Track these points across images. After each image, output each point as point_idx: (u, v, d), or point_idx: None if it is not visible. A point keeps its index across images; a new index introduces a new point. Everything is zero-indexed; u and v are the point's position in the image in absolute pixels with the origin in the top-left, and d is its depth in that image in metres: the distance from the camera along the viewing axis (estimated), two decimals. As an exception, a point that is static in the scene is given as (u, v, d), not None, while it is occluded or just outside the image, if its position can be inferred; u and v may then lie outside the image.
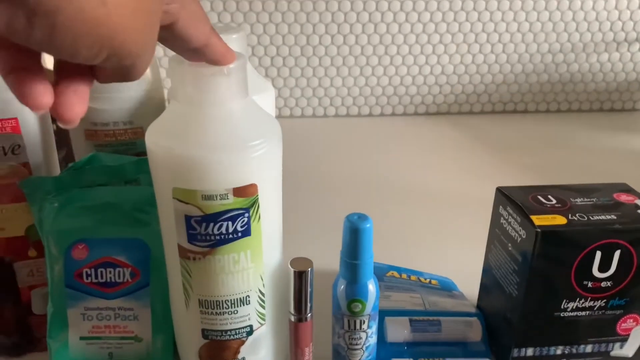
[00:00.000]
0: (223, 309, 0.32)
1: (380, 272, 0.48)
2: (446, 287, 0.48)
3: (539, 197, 0.38)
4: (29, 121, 0.38)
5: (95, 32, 0.19)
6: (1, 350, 0.41)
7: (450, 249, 0.56)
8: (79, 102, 0.23)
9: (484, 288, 0.43)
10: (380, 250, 0.50)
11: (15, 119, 0.38)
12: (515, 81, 0.96)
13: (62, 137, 0.55)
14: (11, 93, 0.38)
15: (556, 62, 0.95)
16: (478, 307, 0.44)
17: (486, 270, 0.43)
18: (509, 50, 0.93)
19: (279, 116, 0.96)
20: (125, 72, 0.23)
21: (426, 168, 0.75)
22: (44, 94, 0.21)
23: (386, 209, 0.64)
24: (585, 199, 0.38)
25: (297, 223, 0.59)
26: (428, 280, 0.49)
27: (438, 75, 0.94)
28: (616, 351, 0.39)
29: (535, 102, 0.98)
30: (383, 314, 0.41)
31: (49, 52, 0.20)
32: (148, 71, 0.39)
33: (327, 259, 0.44)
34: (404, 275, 0.48)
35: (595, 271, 0.36)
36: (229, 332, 0.33)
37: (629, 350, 0.39)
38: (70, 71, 0.23)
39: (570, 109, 0.99)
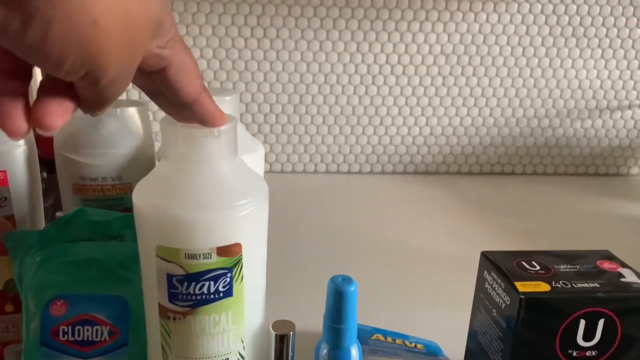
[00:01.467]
0: (201, 372, 0.31)
1: (365, 335, 0.47)
2: (432, 352, 0.47)
3: (523, 262, 0.38)
4: (18, 174, 0.39)
5: (82, 47, 0.20)
6: (-32, 411, 0.39)
7: (438, 312, 0.55)
8: (61, 113, 0.23)
9: (469, 353, 0.43)
10: (365, 311, 0.50)
11: (4, 171, 0.38)
12: (502, 143, 0.98)
13: (50, 185, 0.55)
14: (1, 146, 0.38)
15: (542, 127, 0.98)
16: (464, 374, 0.43)
17: (471, 335, 0.42)
18: (496, 114, 0.96)
19: (270, 171, 0.97)
20: (97, 96, 0.24)
21: (414, 228, 0.76)
22: (24, 122, 0.22)
23: (373, 269, 0.64)
24: (569, 266, 0.38)
25: (281, 281, 0.58)
26: (414, 344, 0.48)
27: (427, 136, 0.96)
28: None
29: (522, 164, 1.00)
30: (366, 380, 0.40)
31: (33, 59, 0.21)
32: (141, 129, 0.40)
33: (312, 319, 0.43)
34: (389, 339, 0.47)
35: (580, 340, 0.36)
36: (206, 397, 0.32)
37: (617, 423, 0.38)
38: (57, 89, 0.23)
39: (556, 172, 1.01)
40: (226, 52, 0.89)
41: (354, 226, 0.75)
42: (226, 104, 0.40)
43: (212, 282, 0.30)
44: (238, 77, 0.90)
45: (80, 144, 0.39)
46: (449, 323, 0.49)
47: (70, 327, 0.36)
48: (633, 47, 0.94)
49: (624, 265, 0.39)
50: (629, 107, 0.97)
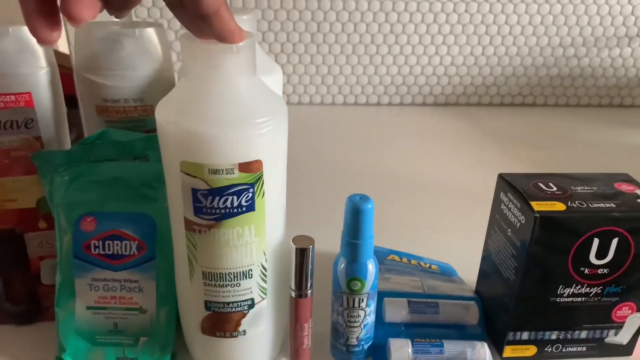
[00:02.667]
0: (226, 281, 0.33)
1: (381, 256, 0.49)
2: (446, 273, 0.49)
3: (540, 184, 0.38)
4: (42, 96, 0.39)
5: None
6: (10, 318, 0.42)
7: (453, 236, 0.57)
8: (89, 6, 0.25)
9: (482, 273, 0.44)
10: (382, 234, 0.51)
11: (29, 93, 0.39)
12: (524, 74, 0.96)
13: (73, 119, 0.56)
14: (25, 68, 0.38)
15: (566, 56, 0.95)
16: (476, 291, 0.45)
17: (485, 256, 0.43)
18: (520, 42, 0.93)
19: (287, 102, 0.96)
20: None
21: (432, 158, 0.76)
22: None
23: (390, 196, 0.65)
24: (586, 187, 0.38)
25: (301, 204, 0.60)
26: (428, 265, 0.49)
27: (447, 66, 0.94)
28: (611, 338, 0.40)
29: (544, 95, 0.98)
30: (382, 295, 0.42)
31: None
32: (159, 50, 0.40)
33: (330, 239, 0.45)
34: (405, 260, 0.49)
35: (592, 258, 0.36)
36: (231, 305, 0.34)
37: (623, 337, 0.40)
38: None
39: (579, 103, 0.99)
40: (242, -22, 0.86)
41: (373, 156, 0.76)
42: (245, 23, 0.39)
43: (235, 197, 0.31)
44: (254, 4, 0.88)
45: (99, 66, 0.39)
46: (463, 247, 0.50)
47: (100, 242, 0.38)
48: (670, -31, 0.88)
49: (642, 187, 0.39)
50: (661, 34, 0.93)
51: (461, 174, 0.71)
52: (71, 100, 0.45)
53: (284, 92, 0.95)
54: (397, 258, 0.49)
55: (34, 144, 0.39)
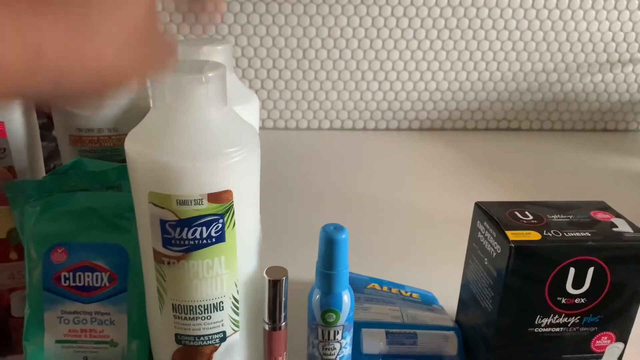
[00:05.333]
0: (196, 314, 0.32)
1: (362, 284, 0.48)
2: (427, 301, 0.48)
3: (516, 212, 0.38)
4: (16, 125, 0.39)
5: None
6: (-21, 352, 0.41)
7: (436, 263, 0.56)
8: None
9: (462, 302, 0.44)
10: (363, 262, 0.51)
11: (2, 122, 0.38)
12: (509, 99, 0.97)
13: (45, 135, 0.55)
14: (-2, 97, 0.38)
15: (550, 81, 0.96)
16: (456, 321, 0.44)
17: (464, 285, 0.43)
18: (503, 68, 0.94)
19: (274, 127, 0.96)
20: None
21: (416, 183, 0.76)
22: None
23: (373, 222, 0.64)
24: (562, 216, 0.38)
25: (276, 232, 0.59)
26: (409, 293, 0.49)
27: (432, 91, 0.95)
28: (591, 369, 0.39)
29: (529, 120, 0.99)
30: (360, 325, 0.41)
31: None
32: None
33: (305, 268, 0.44)
34: (385, 288, 0.48)
35: (569, 287, 0.36)
36: (202, 338, 0.33)
37: (604, 368, 0.39)
38: None
39: (564, 127, 1.00)
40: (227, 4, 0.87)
41: (356, 182, 0.76)
42: (219, 53, 0.39)
43: (204, 228, 0.30)
44: (227, 31, 0.89)
45: (75, 95, 0.39)
46: (446, 274, 0.50)
47: (71, 274, 0.37)
48: (648, -3, 0.90)
49: (618, 216, 0.39)
50: (641, 60, 0.95)
51: (445, 199, 0.71)
52: (48, 113, 0.45)
53: (269, 117, 0.95)
54: (377, 287, 0.49)
55: (5, 174, 0.38)
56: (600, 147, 0.92)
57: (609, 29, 0.92)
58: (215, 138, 0.30)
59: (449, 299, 0.47)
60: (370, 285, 0.49)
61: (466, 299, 0.42)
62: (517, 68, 0.94)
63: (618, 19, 0.91)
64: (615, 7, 0.91)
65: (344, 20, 0.89)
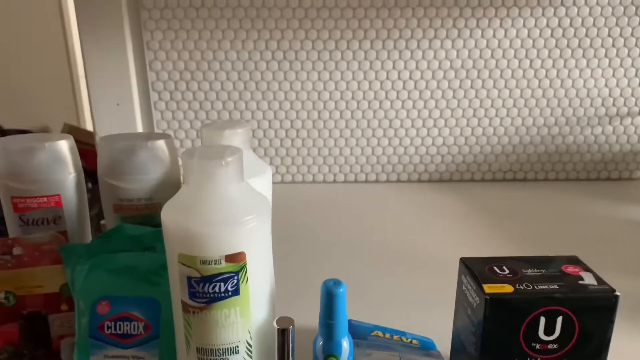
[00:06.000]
0: (216, 356, 0.38)
1: (366, 331, 0.54)
2: (425, 347, 0.53)
3: (495, 267, 0.44)
4: (69, 197, 0.47)
5: None
6: (32, 392, 0.47)
7: (438, 311, 0.61)
8: None
9: (453, 348, 0.48)
10: (370, 310, 0.56)
11: (59, 195, 0.46)
12: (513, 151, 1.02)
13: (94, 196, 0.63)
14: (56, 175, 0.46)
15: (552, 134, 1.01)
16: (450, 365, 0.49)
17: (454, 332, 0.48)
18: (506, 123, 1.00)
19: (292, 182, 1.04)
20: None
21: (423, 233, 0.81)
22: None
23: (381, 271, 0.70)
24: (535, 270, 0.43)
25: (288, 283, 0.65)
26: (409, 340, 0.54)
27: (439, 146, 1.02)
28: (571, 409, 0.43)
29: (534, 171, 1.04)
30: (362, 369, 0.46)
31: None
32: (168, 157, 0.48)
33: (314, 316, 0.50)
34: (387, 335, 0.54)
35: (541, 334, 0.41)
36: (221, 378, 0.39)
37: (582, 408, 0.43)
38: None
39: (568, 177, 1.04)
40: (239, 76, 0.96)
41: (367, 231, 0.81)
42: (238, 135, 0.47)
43: (222, 283, 0.37)
44: (255, 108, 0.98)
45: (118, 172, 0.46)
46: (446, 322, 0.54)
47: (113, 323, 0.43)
48: (640, 55, 0.96)
49: (587, 270, 0.44)
50: (638, 113, 1.00)
51: (451, 248, 0.76)
52: (94, 176, 0.53)
53: (287, 172, 1.03)
54: (380, 334, 0.54)
55: (60, 238, 0.46)
56: (605, 195, 0.96)
57: (605, 85, 0.98)
58: (233, 209, 0.37)
59: (447, 346, 0.52)
60: (374, 333, 0.54)
61: (456, 345, 0.47)
62: (519, 123, 1.00)
63: (613, 75, 0.97)
64: (609, 65, 0.97)
65: (354, 85, 0.97)
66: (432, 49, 0.96)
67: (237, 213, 0.37)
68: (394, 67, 0.96)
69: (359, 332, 0.53)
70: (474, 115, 1.00)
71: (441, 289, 0.66)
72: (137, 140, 0.47)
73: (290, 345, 0.40)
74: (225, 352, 0.39)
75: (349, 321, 0.55)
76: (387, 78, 0.97)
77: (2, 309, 0.46)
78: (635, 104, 0.99)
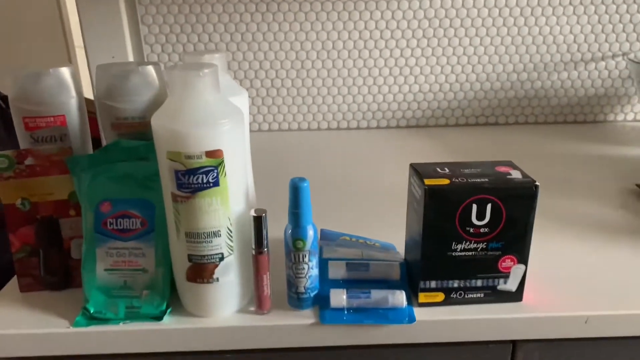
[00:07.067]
0: (202, 238, 0.46)
1: (336, 236, 0.62)
2: (385, 247, 0.61)
3: (437, 168, 0.51)
4: (73, 117, 0.54)
5: None
6: (48, 285, 0.56)
7: (401, 232, 0.69)
8: None
9: (407, 244, 0.56)
10: (344, 225, 0.64)
11: (63, 115, 0.54)
12: (485, 97, 1.09)
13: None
14: (61, 98, 0.53)
15: (521, 80, 1.08)
16: (405, 259, 0.57)
17: (407, 229, 0.56)
18: (478, 70, 1.07)
19: (278, 129, 1.11)
20: None
21: (399, 172, 0.89)
22: None
23: (354, 199, 0.78)
24: (472, 170, 0.51)
25: (271, 204, 0.73)
26: (373, 243, 0.62)
27: (416, 92, 1.08)
28: (501, 286, 0.52)
29: (505, 115, 1.11)
30: (327, 260, 0.54)
31: None
32: (156, 82, 0.54)
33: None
34: (353, 239, 0.62)
35: (474, 220, 0.49)
36: (206, 257, 0.47)
37: (511, 285, 0.52)
38: None
39: (537, 121, 1.11)
40: (224, 17, 1.03)
41: (348, 171, 0.89)
42: (216, 60, 0.54)
43: (204, 175, 0.44)
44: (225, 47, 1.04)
45: (115, 94, 0.53)
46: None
47: (114, 220, 0.51)
48: (603, 2, 1.02)
49: (516, 169, 0.51)
50: (602, 58, 1.07)
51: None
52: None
53: (274, 121, 1.10)
54: (347, 238, 0.62)
55: (67, 151, 0.53)
56: (569, 137, 1.03)
57: (570, 32, 1.04)
58: (210, 113, 0.44)
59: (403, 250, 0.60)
60: (342, 238, 0.62)
61: (408, 240, 0.55)
62: (490, 70, 1.07)
63: (577, 22, 1.04)
64: (574, 12, 1.03)
65: (334, 35, 1.03)
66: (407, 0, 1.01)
67: (214, 116, 0.44)
68: (371, 17, 1.03)
69: (329, 236, 0.61)
70: (447, 63, 1.06)
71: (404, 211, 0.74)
72: (130, 66, 0.54)
73: (264, 231, 0.48)
74: (209, 235, 0.46)
75: (321, 230, 0.63)
76: (365, 28, 1.03)
77: (19, 214, 0.54)
78: (599, 50, 1.06)
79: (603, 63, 1.07)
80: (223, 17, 1.02)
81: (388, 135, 1.07)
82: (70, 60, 1.95)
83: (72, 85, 0.54)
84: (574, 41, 1.05)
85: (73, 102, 0.54)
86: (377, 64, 1.06)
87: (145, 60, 1.04)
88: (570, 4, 1.02)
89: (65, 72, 0.53)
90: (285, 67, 1.06)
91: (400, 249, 0.61)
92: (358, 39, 1.04)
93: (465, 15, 1.03)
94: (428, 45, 1.05)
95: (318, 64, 1.06)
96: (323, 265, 0.55)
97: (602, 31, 1.05)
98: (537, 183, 0.48)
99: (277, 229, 0.56)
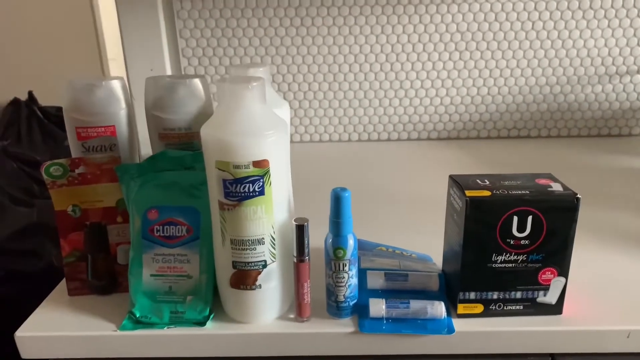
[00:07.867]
0: (246, 246, 0.48)
1: (372, 247, 0.62)
2: (422, 258, 0.61)
3: (477, 180, 0.52)
4: (122, 128, 0.56)
5: None
6: (94, 290, 0.58)
7: (438, 241, 0.69)
8: None
9: (445, 256, 0.57)
10: (380, 235, 0.64)
11: (113, 126, 0.56)
12: (517, 110, 1.09)
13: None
14: (111, 109, 0.55)
15: (554, 93, 1.08)
16: (442, 270, 0.58)
17: (445, 239, 0.56)
18: (510, 83, 1.07)
19: (310, 141, 1.12)
20: None
21: (432, 181, 0.89)
22: None
23: (390, 208, 0.78)
24: (512, 182, 0.51)
25: (309, 213, 0.74)
26: (409, 254, 0.62)
27: (447, 105, 1.09)
28: (541, 298, 0.52)
29: (537, 128, 1.11)
30: (366, 270, 0.55)
31: None
32: (203, 94, 0.57)
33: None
34: (390, 250, 0.62)
35: (514, 231, 0.49)
36: (250, 264, 0.48)
37: (551, 298, 0.52)
38: None
39: (569, 134, 1.11)
40: (268, 36, 1.05)
41: (381, 181, 0.90)
42: (260, 73, 0.55)
43: (250, 184, 0.46)
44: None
45: (163, 105, 0.56)
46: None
47: (161, 227, 0.53)
48: (638, 15, 1.02)
49: (557, 181, 0.51)
50: (638, 71, 1.06)
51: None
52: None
53: (306, 132, 1.12)
54: (384, 249, 0.62)
55: (116, 160, 0.55)
56: (602, 150, 1.02)
57: (605, 45, 1.04)
58: (258, 124, 0.46)
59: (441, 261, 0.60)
60: (379, 248, 0.63)
61: (447, 251, 0.56)
62: (522, 82, 1.07)
63: (612, 35, 1.03)
64: (608, 26, 1.02)
65: (367, 49, 1.05)
66: (439, 13, 1.02)
67: (261, 127, 0.46)
68: (403, 31, 1.04)
69: (365, 247, 0.62)
70: (479, 76, 1.07)
71: (442, 224, 0.74)
72: (178, 79, 0.56)
73: (306, 239, 0.49)
74: (253, 242, 0.48)
75: (358, 240, 0.64)
76: (398, 42, 1.05)
77: (70, 220, 0.56)
78: (634, 63, 1.05)
79: (638, 76, 1.06)
80: (258, 32, 1.04)
81: (418, 148, 1.08)
82: (103, 72, 2.01)
83: (122, 97, 0.56)
84: (609, 54, 1.04)
85: (123, 113, 0.56)
86: (409, 76, 1.07)
87: (183, 72, 1.07)
88: (605, 17, 1.02)
89: (116, 84, 0.56)
90: (323, 79, 1.08)
91: (435, 259, 0.62)
92: (390, 52, 1.05)
93: (498, 29, 1.03)
94: (460, 58, 1.05)
95: (353, 77, 1.07)
96: (361, 275, 0.55)
97: (638, 44, 1.04)
98: (578, 195, 0.48)
99: (314, 238, 0.57)
